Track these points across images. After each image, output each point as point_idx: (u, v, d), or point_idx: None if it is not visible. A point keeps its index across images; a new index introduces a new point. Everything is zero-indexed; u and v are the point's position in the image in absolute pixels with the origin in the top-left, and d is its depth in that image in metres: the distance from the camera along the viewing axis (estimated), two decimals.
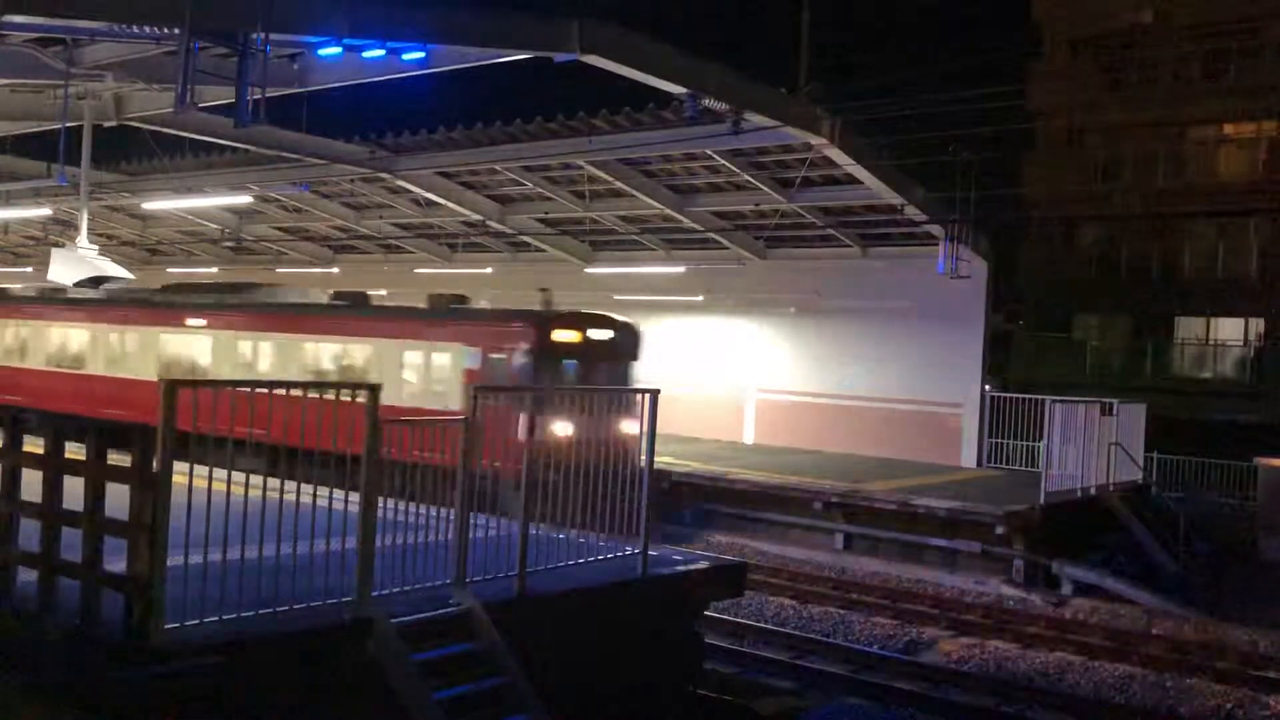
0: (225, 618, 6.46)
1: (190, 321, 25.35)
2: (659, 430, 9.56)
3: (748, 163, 23.43)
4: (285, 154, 24.45)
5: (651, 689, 9.39)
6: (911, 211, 23.69)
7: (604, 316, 20.63)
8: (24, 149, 26.57)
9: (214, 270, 39.61)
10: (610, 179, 24.91)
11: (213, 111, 18.68)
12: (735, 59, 18.23)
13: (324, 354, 22.65)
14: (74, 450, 6.87)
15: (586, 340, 19.92)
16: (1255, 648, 15.16)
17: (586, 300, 24.60)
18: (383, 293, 29.42)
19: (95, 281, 20.47)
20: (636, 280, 29.21)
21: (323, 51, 15.45)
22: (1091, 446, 19.53)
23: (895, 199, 23.15)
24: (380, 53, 14.96)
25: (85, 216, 19.33)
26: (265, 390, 6.89)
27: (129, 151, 28.57)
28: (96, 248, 19.22)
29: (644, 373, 20.11)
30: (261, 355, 23.82)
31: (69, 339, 28.31)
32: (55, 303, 28.91)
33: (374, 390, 7.20)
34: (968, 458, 24.90)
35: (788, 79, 20.17)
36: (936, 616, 16.29)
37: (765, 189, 24.21)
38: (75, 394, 26.55)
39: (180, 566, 6.28)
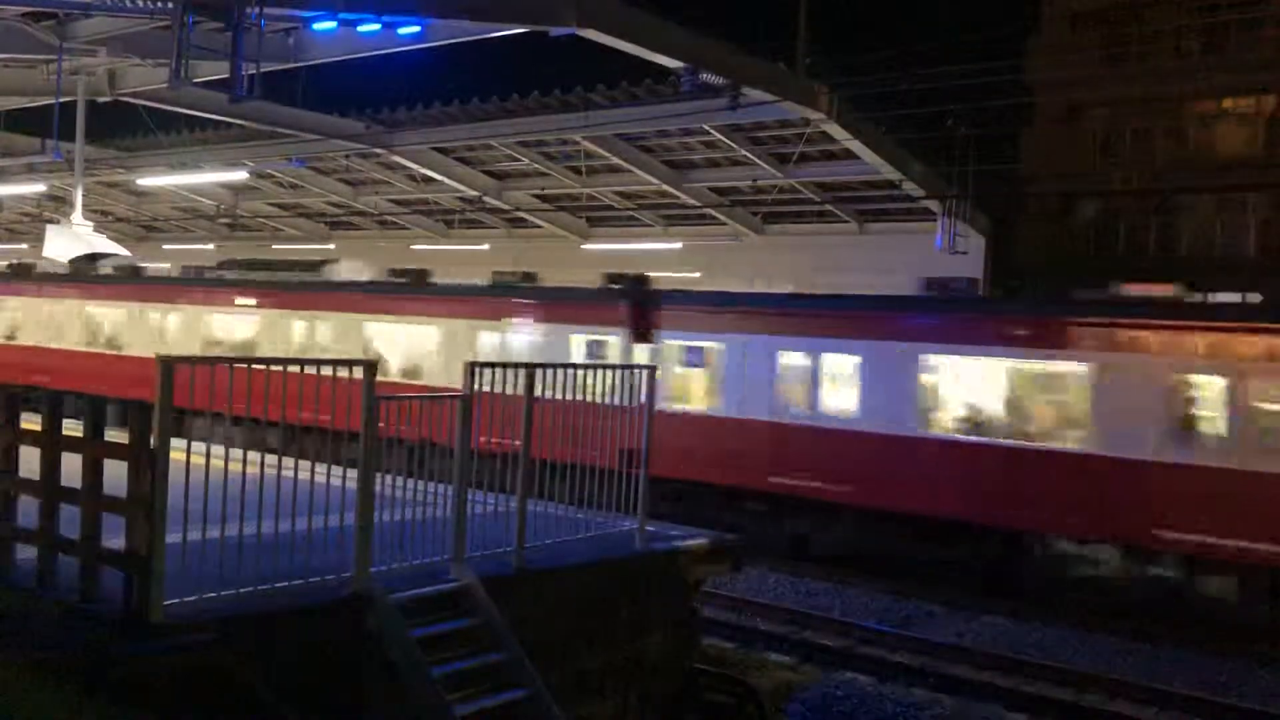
0: (225, 594, 6.47)
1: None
2: None
3: (745, 138, 23.35)
4: (281, 129, 24.34)
5: (648, 663, 9.43)
6: (909, 187, 23.63)
7: None
8: (18, 124, 26.45)
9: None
10: (607, 154, 24.83)
11: (208, 87, 18.54)
12: (733, 32, 18.15)
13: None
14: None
15: None
16: None
17: (584, 278, 24.58)
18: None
19: (92, 258, 20.31)
20: (634, 257, 29.15)
21: (317, 25, 15.40)
22: None
23: (893, 174, 23.08)
24: (375, 26, 14.87)
25: (80, 193, 19.24)
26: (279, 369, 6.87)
27: (124, 127, 28.47)
28: (91, 224, 19.13)
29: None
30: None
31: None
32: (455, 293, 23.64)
33: (370, 367, 7.19)
34: None
35: (786, 53, 20.01)
36: None
37: (763, 164, 24.14)
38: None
39: (179, 543, 6.29)
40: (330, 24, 15.17)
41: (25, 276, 33.07)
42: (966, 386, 17.37)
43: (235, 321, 26.78)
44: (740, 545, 10.78)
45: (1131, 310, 16.00)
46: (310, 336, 24.99)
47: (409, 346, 23.69)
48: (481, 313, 22.39)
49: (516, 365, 8.47)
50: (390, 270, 26.24)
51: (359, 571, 7.13)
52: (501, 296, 22.60)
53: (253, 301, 26.14)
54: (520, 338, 21.78)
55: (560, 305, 21.54)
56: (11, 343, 31.68)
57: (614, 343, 19.96)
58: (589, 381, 9.10)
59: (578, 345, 20.83)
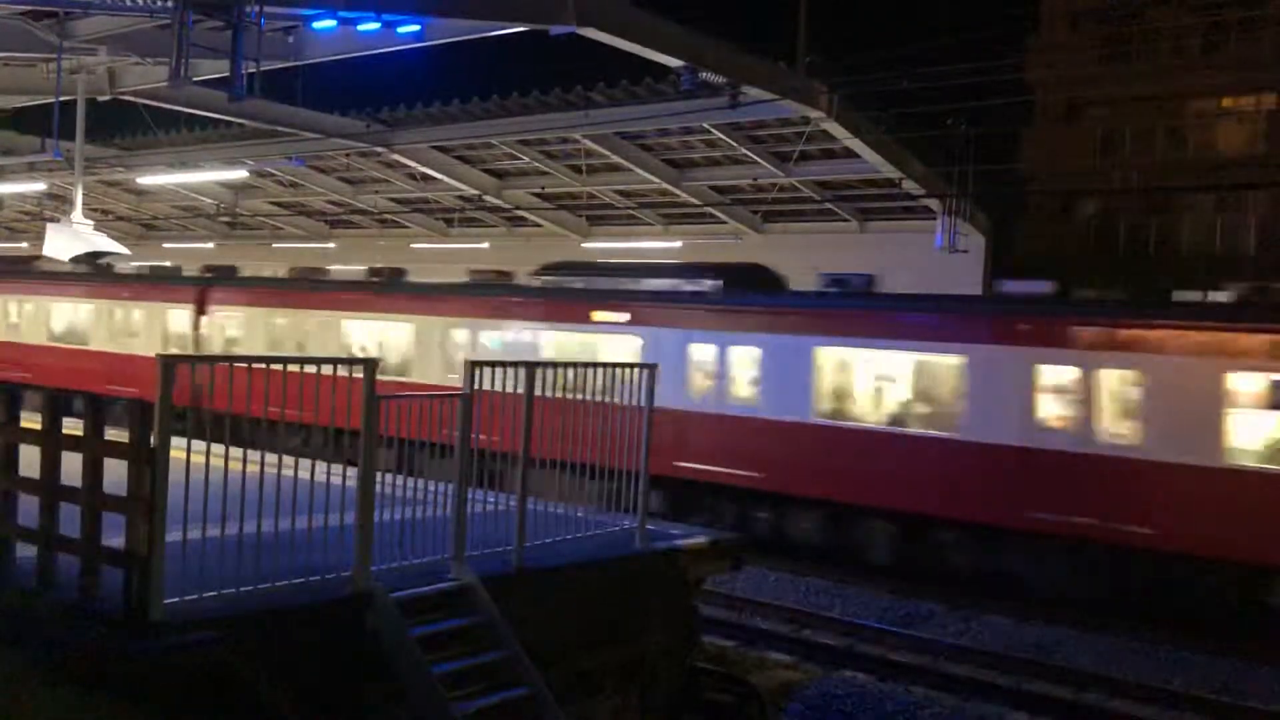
0: (225, 593, 6.47)
1: None
2: None
3: (745, 136, 23.35)
4: (281, 128, 24.34)
5: (649, 662, 9.43)
6: (910, 185, 23.63)
7: None
8: (18, 123, 26.44)
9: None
10: (607, 153, 24.83)
11: (208, 85, 18.55)
12: (733, 31, 18.15)
13: None
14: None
15: None
16: None
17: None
18: None
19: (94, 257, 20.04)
20: (634, 255, 29.16)
21: (317, 24, 15.40)
22: None
23: (893, 173, 23.08)
24: (375, 25, 14.89)
25: (80, 191, 19.23)
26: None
27: (124, 126, 28.47)
28: (92, 223, 19.13)
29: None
30: None
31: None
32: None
33: (370, 365, 7.19)
34: None
35: (786, 52, 20.03)
36: None
37: (763, 163, 24.14)
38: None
39: (179, 542, 6.29)
40: (330, 23, 15.19)
41: (230, 280, 27.87)
42: None
43: (593, 344, 20.30)
44: (740, 543, 10.79)
45: None
46: (737, 370, 18.60)
47: (919, 391, 17.53)
48: (1052, 338, 15.91)
49: (515, 363, 8.45)
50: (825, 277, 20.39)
51: (359, 570, 7.13)
52: (1087, 316, 15.96)
53: (624, 317, 19.92)
54: (1161, 384, 14.98)
55: (1194, 325, 14.97)
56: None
57: None
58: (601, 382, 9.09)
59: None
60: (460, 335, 22.21)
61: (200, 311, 26.73)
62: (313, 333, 24.45)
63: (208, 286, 27.25)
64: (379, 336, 23.89)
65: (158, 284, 28.87)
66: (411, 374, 22.16)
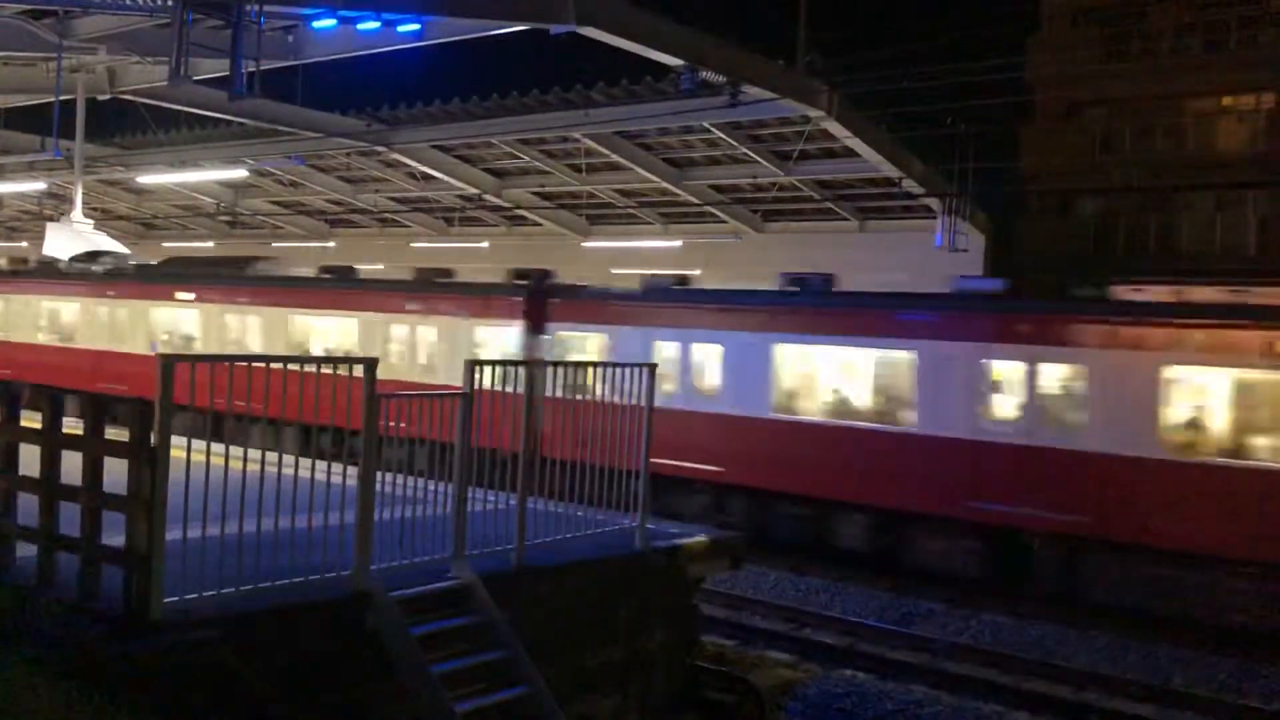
0: (224, 591, 6.47)
1: None
2: None
3: (745, 135, 23.36)
4: (281, 127, 24.34)
5: (648, 661, 9.44)
6: (909, 185, 23.63)
7: None
8: (18, 122, 26.46)
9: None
10: (607, 152, 24.83)
11: (207, 84, 18.57)
12: (733, 30, 18.14)
13: None
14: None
15: None
16: None
17: (584, 274, 24.59)
18: None
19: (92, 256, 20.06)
20: (634, 254, 29.18)
21: (317, 23, 15.42)
22: None
23: (893, 172, 23.09)
24: (374, 24, 14.92)
25: (80, 190, 19.26)
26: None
27: (124, 125, 28.49)
28: (91, 222, 19.16)
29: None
30: None
31: None
32: None
33: (370, 364, 7.19)
34: None
35: (786, 51, 20.02)
36: None
37: (763, 162, 24.15)
38: None
39: (179, 540, 6.29)
40: (330, 22, 15.21)
41: (585, 292, 21.07)
42: None
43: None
44: (739, 542, 10.80)
45: None
46: None
47: None
48: None
49: (515, 362, 8.46)
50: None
51: (359, 569, 7.12)
52: None
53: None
54: None
55: None
56: None
57: None
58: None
59: None
60: (965, 373, 16.38)
61: (535, 329, 20.54)
62: (722, 364, 18.61)
63: (546, 299, 20.57)
64: (842, 370, 18.19)
65: (457, 293, 22.56)
66: (889, 416, 17.46)
